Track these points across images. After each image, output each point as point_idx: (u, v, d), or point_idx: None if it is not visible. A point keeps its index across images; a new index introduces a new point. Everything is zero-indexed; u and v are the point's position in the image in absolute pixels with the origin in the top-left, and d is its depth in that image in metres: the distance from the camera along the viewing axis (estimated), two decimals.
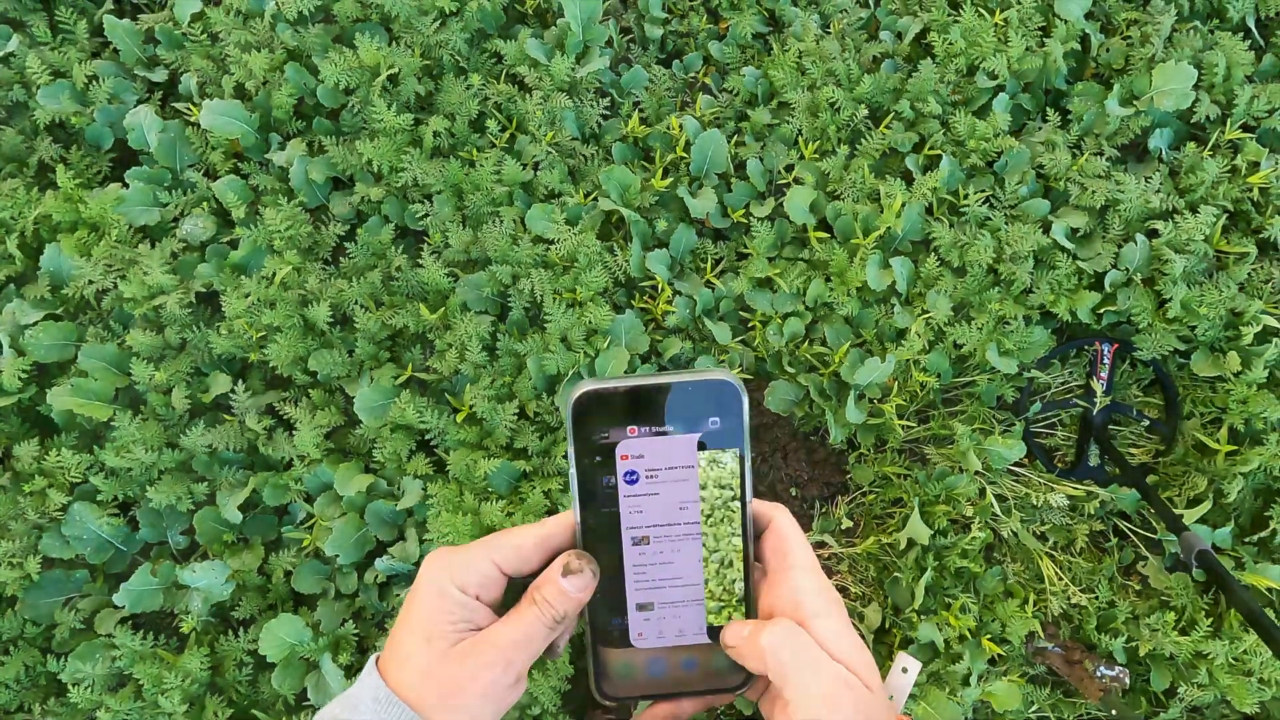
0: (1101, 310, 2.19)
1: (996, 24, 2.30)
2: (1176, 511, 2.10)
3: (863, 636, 1.97)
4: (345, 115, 2.22)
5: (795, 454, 2.27)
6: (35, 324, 1.95)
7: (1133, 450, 2.27)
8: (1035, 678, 2.14)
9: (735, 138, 2.35)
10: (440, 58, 2.24)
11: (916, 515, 2.05)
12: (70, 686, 1.79)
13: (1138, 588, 2.15)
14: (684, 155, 2.27)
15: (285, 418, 1.99)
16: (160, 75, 2.25)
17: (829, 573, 2.22)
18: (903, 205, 2.14)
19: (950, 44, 2.28)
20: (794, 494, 2.26)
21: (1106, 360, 2.24)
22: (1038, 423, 2.30)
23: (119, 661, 1.82)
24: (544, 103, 2.21)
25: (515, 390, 2.05)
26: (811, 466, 2.27)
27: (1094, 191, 2.16)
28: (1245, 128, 2.30)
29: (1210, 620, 2.03)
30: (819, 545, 2.23)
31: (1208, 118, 2.26)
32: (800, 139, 2.29)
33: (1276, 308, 2.15)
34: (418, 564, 1.94)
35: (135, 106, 2.16)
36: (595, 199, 2.20)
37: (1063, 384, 2.30)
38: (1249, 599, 1.46)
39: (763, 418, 2.28)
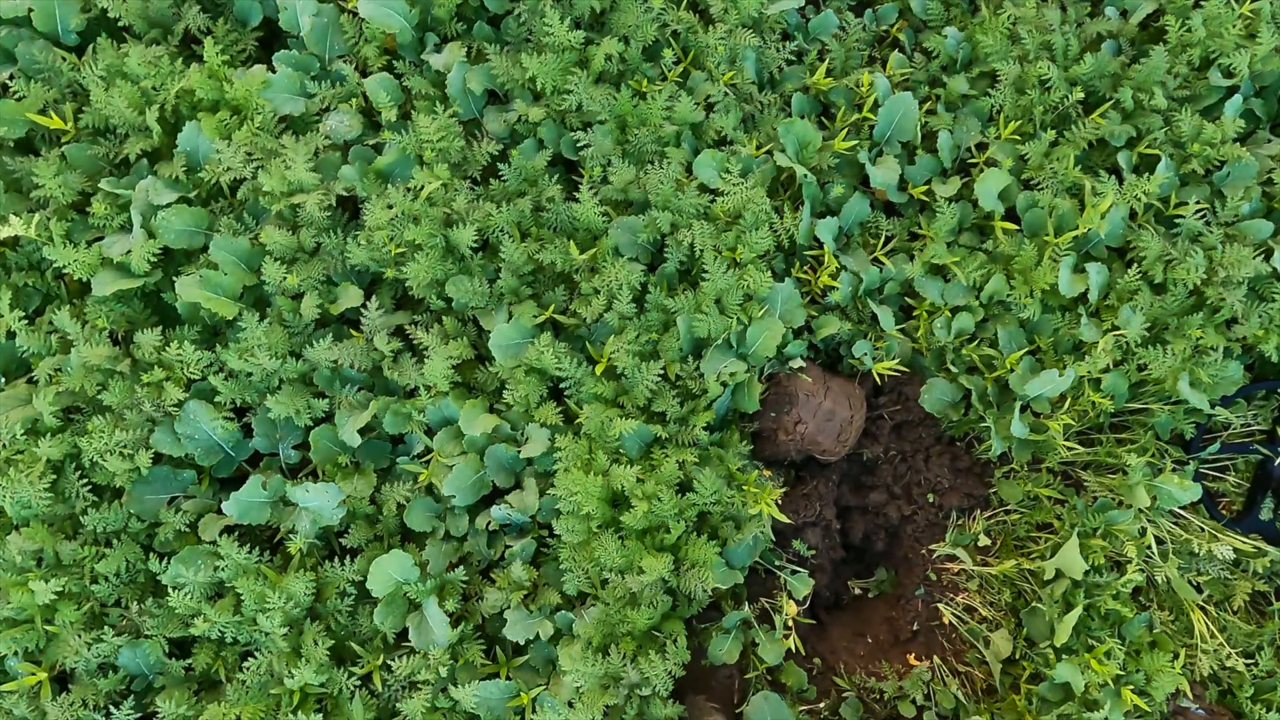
0: None
1: (1244, 15, 2.07)
2: None
3: (981, 661, 1.86)
4: (509, 23, 2.08)
5: (939, 458, 2.13)
6: (168, 205, 1.86)
7: None
8: None
9: (925, 105, 2.15)
10: None
11: (1075, 546, 1.91)
12: (170, 590, 1.74)
13: None
14: (869, 117, 2.09)
15: (415, 342, 1.90)
16: None
17: (955, 589, 2.10)
18: (1110, 206, 1.95)
19: (1188, 31, 2.06)
20: (931, 500, 2.13)
21: None
22: (1208, 464, 2.13)
23: (222, 572, 1.76)
24: (727, 38, 2.04)
25: (660, 349, 1.93)
26: (954, 474, 2.13)
27: None
28: None
29: None
30: (950, 559, 2.10)
31: None
32: (1000, 116, 2.09)
33: None
34: (534, 516, 1.86)
35: None
36: (769, 152, 2.03)
37: (1245, 426, 2.12)
38: None
39: (909, 414, 2.13)
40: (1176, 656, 1.94)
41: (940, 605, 2.09)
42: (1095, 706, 1.85)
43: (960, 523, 2.13)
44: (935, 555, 2.11)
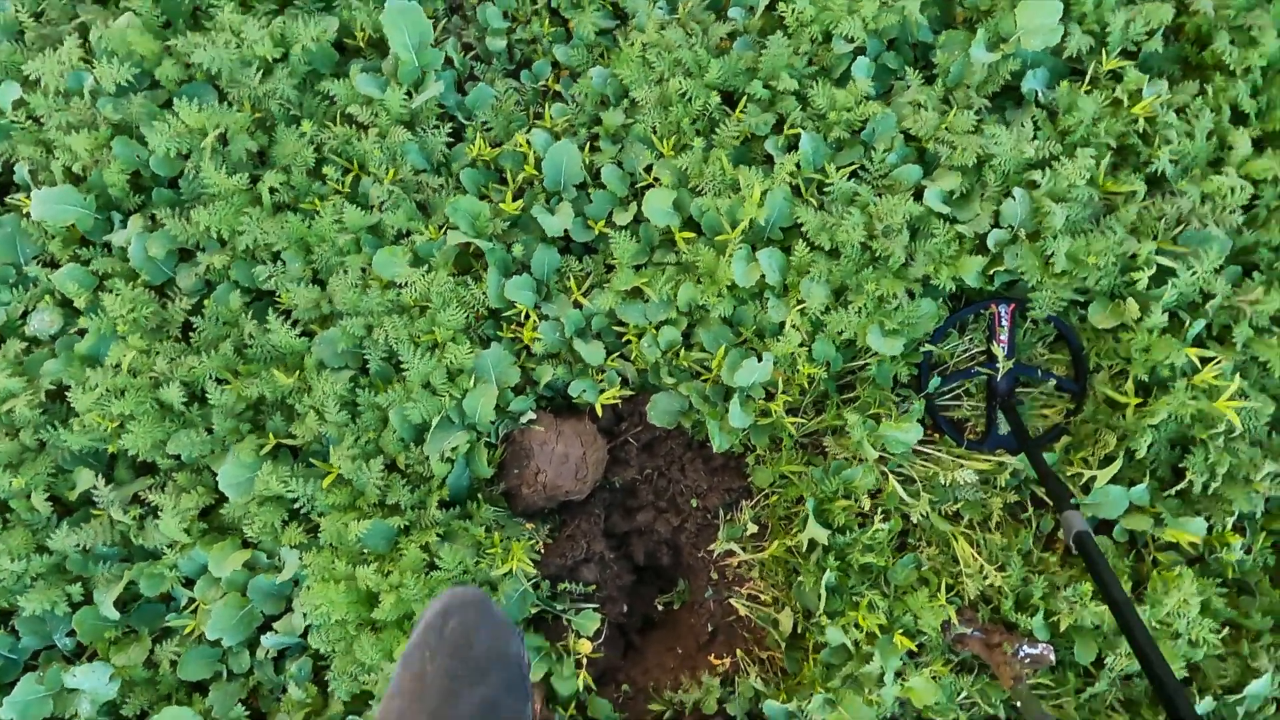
0: (992, 272, 2.13)
1: None
2: (1090, 472, 2.06)
3: (779, 644, 1.96)
4: (184, 183, 2.21)
5: (692, 464, 2.24)
6: None
7: (1045, 412, 2.22)
8: (963, 665, 2.12)
9: (591, 144, 2.30)
10: (270, 109, 2.21)
11: (812, 515, 2.02)
12: None
13: (1058, 560, 2.11)
14: (537, 172, 2.23)
15: (154, 504, 2.00)
16: None
17: (740, 582, 2.20)
18: (764, 192, 2.09)
19: (799, 12, 2.21)
20: (695, 505, 2.24)
21: (1005, 323, 2.18)
22: (944, 397, 2.25)
23: None
24: (381, 139, 2.18)
25: (382, 444, 2.04)
26: (710, 475, 2.24)
27: (964, 149, 2.09)
28: (1126, 54, 2.21)
29: (1133, 585, 1.99)
30: (727, 554, 2.21)
31: (1081, 51, 2.17)
32: (655, 136, 2.23)
33: (1174, 244, 2.08)
34: (304, 635, 1.96)
35: None
36: (446, 232, 2.17)
37: (965, 353, 2.24)
38: (1116, 589, 1.42)
39: (654, 432, 2.25)
40: (940, 589, 2.05)
41: (731, 601, 2.20)
42: (870, 659, 1.95)
43: (729, 518, 2.24)
44: (714, 555, 2.22)
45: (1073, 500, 1.91)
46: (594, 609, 2.13)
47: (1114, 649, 1.98)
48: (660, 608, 2.32)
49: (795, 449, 2.21)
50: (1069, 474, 2.11)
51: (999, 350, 2.18)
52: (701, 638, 2.22)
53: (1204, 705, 1.93)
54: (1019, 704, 1.86)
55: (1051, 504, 1.91)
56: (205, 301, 2.13)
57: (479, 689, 1.30)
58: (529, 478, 2.09)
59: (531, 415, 2.12)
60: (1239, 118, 2.17)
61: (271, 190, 2.14)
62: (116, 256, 2.17)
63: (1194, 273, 2.02)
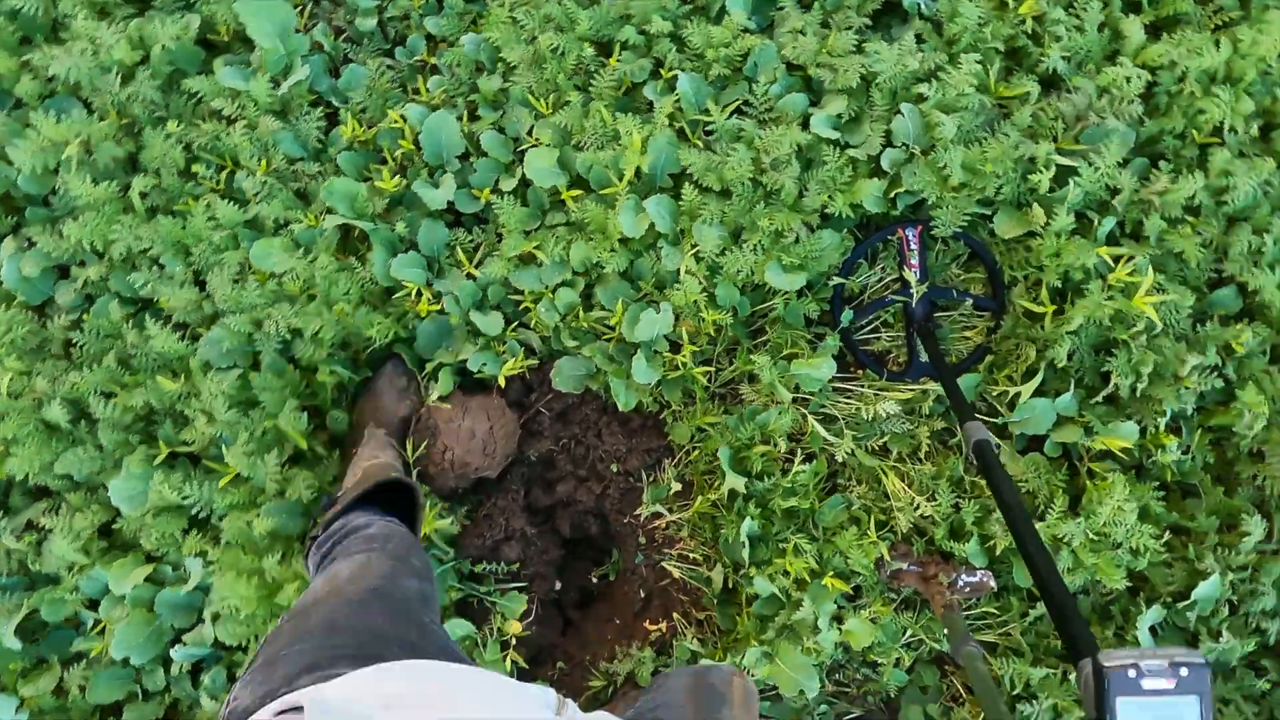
0: (893, 195, 2.06)
1: None
2: (1015, 389, 1.98)
3: (713, 601, 1.89)
4: (55, 199, 2.16)
5: (609, 428, 2.17)
6: None
7: (967, 334, 2.15)
8: (906, 603, 2.04)
9: (471, 114, 2.24)
10: (135, 114, 2.15)
11: (726, 464, 1.95)
12: None
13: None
14: (416, 148, 2.17)
15: (49, 528, 1.95)
16: None
17: (671, 543, 2.13)
18: (645, 139, 2.02)
19: None
20: (616, 470, 2.17)
21: (914, 246, 2.11)
22: (862, 331, 2.18)
23: None
24: (251, 131, 2.12)
25: (283, 429, 1.98)
26: (629, 437, 2.17)
27: (847, 70, 2.02)
28: None
29: (1067, 499, 1.91)
30: (654, 516, 2.14)
31: None
32: (533, 97, 2.17)
33: (1074, 144, 2.00)
34: (217, 644, 1.89)
35: None
36: (325, 216, 2.11)
37: (880, 282, 2.17)
38: (1009, 494, 1.34)
39: (567, 400, 2.18)
40: (869, 527, 1.97)
41: (663, 564, 2.13)
42: (800, 606, 1.88)
43: (652, 480, 2.17)
44: (641, 519, 2.15)
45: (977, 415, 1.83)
46: (520, 588, 2.07)
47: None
48: (596, 580, 2.25)
49: (711, 401, 2.14)
50: (994, 393, 2.03)
51: (911, 275, 2.11)
52: (637, 605, 2.15)
53: (1153, 614, 1.85)
54: (946, 629, 1.78)
55: (957, 420, 1.83)
56: (85, 316, 2.07)
57: (415, 580, 1.39)
58: (436, 457, 2.03)
59: (435, 396, 2.06)
60: (1130, 5, 2.09)
61: (143, 194, 2.09)
62: None
63: (1097, 169, 1.94)
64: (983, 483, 2.00)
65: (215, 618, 1.92)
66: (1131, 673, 0.95)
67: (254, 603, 1.84)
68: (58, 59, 2.11)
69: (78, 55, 2.11)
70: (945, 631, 1.71)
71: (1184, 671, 0.97)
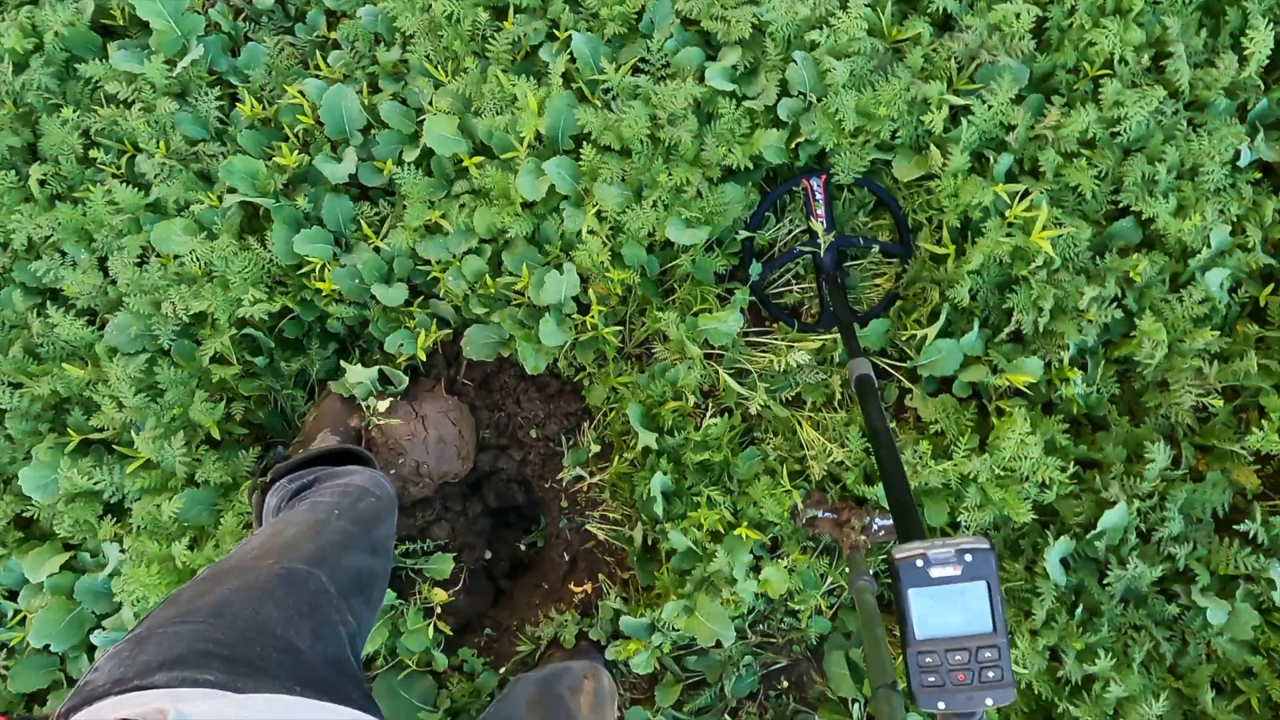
0: (795, 145, 2.06)
1: None
2: (922, 332, 1.99)
3: (636, 562, 1.90)
4: None
5: (526, 395, 2.18)
6: None
7: (877, 281, 2.16)
8: (828, 551, 2.06)
9: (373, 87, 2.23)
10: (31, 102, 2.14)
11: (636, 421, 1.96)
12: None
13: (911, 424, 2.04)
14: (318, 124, 2.16)
15: None
16: None
17: (594, 505, 2.15)
18: (541, 102, 2.02)
19: None
20: (535, 436, 2.18)
21: (819, 196, 2.11)
22: (775, 285, 2.19)
23: None
24: (148, 113, 2.11)
25: (193, 419, 1.98)
26: (546, 402, 2.18)
27: (739, 20, 2.02)
28: None
29: (977, 439, 1.92)
30: (576, 480, 2.15)
31: None
32: (432, 65, 2.16)
33: (970, 84, 2.01)
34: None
35: None
36: (225, 195, 2.10)
37: (790, 234, 2.18)
38: (877, 419, 1.36)
39: (484, 369, 2.19)
40: (800, 475, 1.98)
41: (587, 526, 2.14)
42: (715, 557, 1.89)
43: (572, 444, 2.18)
44: (564, 483, 2.16)
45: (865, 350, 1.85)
46: (452, 557, 2.08)
47: (965, 506, 1.92)
48: (524, 548, 2.27)
49: (626, 361, 2.15)
50: (904, 338, 2.05)
51: (818, 226, 2.12)
52: (563, 569, 2.17)
53: (1062, 546, 1.87)
54: (848, 568, 1.80)
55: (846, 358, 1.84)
56: None
57: (364, 557, 1.36)
58: (409, 474, 2.02)
59: (383, 406, 2.04)
60: None
61: (41, 182, 2.08)
62: None
63: (990, 107, 1.95)
64: (893, 426, 2.02)
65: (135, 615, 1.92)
66: (920, 562, 0.97)
67: (161, 590, 1.84)
68: None
69: None
70: (848, 569, 1.73)
71: (969, 558, 0.99)
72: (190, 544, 1.86)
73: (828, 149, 2.03)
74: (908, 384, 2.07)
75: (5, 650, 1.96)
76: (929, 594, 0.98)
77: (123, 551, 1.92)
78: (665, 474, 1.94)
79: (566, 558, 2.15)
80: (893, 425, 2.05)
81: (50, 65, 2.15)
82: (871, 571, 1.55)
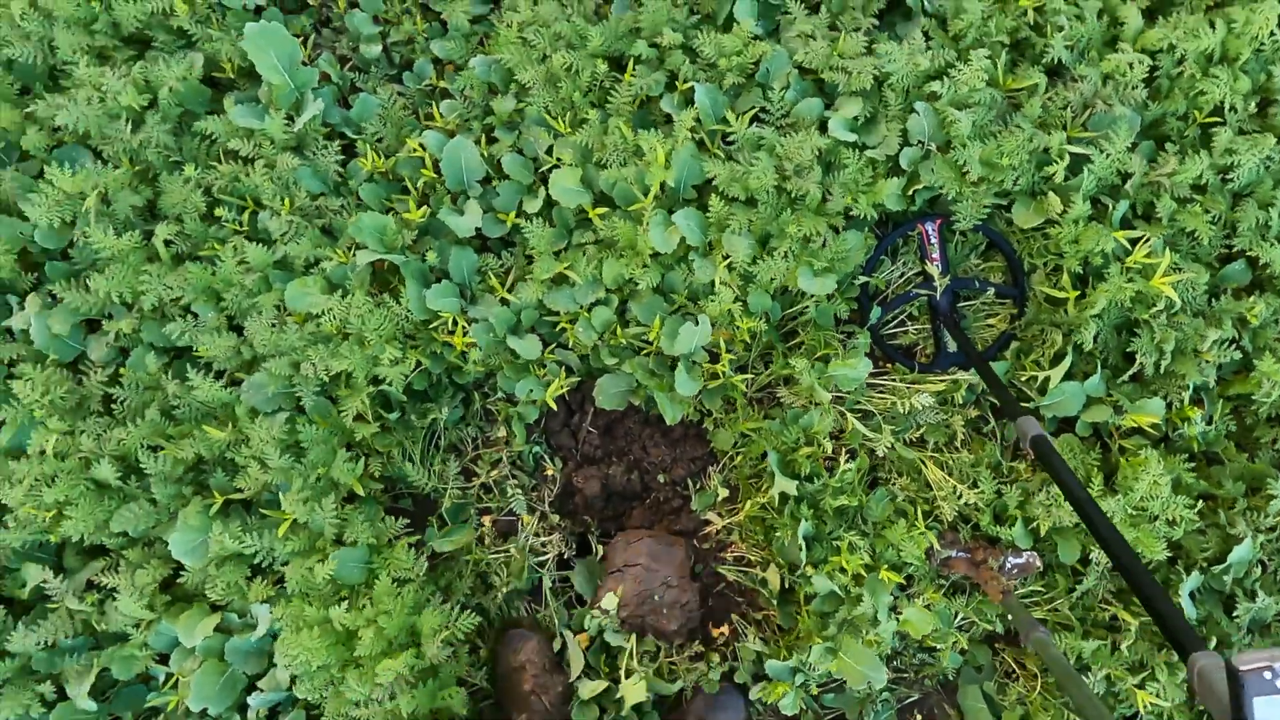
0: (912, 191, 2.14)
1: None
2: (1043, 374, 2.08)
3: (771, 602, 1.96)
4: (75, 251, 2.15)
5: (652, 440, 2.24)
6: None
7: (990, 321, 2.24)
8: (955, 587, 2.14)
9: (488, 136, 2.26)
10: (149, 159, 2.15)
11: (776, 467, 2.03)
12: None
13: (1028, 466, 2.13)
14: (437, 175, 2.19)
15: (110, 586, 1.97)
16: None
17: (723, 548, 2.21)
18: (668, 153, 2.07)
19: None
20: (663, 480, 2.24)
21: (934, 240, 2.19)
22: (888, 326, 2.26)
23: None
24: (270, 170, 2.13)
25: (336, 478, 2.02)
26: (671, 448, 2.24)
27: (860, 73, 2.08)
28: None
29: (1103, 476, 2.01)
30: (704, 523, 2.21)
31: None
32: (550, 116, 2.20)
33: (1083, 131, 2.09)
34: (291, 686, 1.94)
35: None
36: (356, 252, 2.13)
37: (901, 278, 2.25)
38: (1076, 488, 1.43)
39: (609, 416, 2.24)
40: (917, 518, 2.06)
41: (718, 569, 2.20)
42: (860, 600, 1.97)
43: (699, 487, 2.24)
44: (691, 526, 2.22)
45: (1024, 407, 1.92)
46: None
47: (1095, 545, 2.01)
48: None
49: (750, 406, 2.21)
50: (1023, 378, 2.13)
51: (934, 269, 2.19)
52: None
53: (1192, 581, 1.96)
54: (1010, 615, 1.89)
55: (1005, 414, 1.92)
56: (121, 370, 2.08)
57: None
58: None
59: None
60: None
61: (167, 242, 2.09)
62: (20, 341, 2.11)
63: (1108, 155, 2.03)
64: (1021, 467, 2.11)
65: (294, 680, 1.95)
66: (1268, 674, 1.03)
67: (324, 653, 1.88)
68: (64, 109, 2.10)
69: (84, 104, 2.11)
70: (1010, 618, 1.81)
71: None
72: (346, 604, 1.90)
73: (950, 196, 2.10)
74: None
75: (161, 716, 1.98)
76: (1276, 703, 1.03)
77: (273, 613, 1.95)
78: (808, 521, 2.01)
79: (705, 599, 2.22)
80: (1014, 464, 2.14)
81: (166, 122, 2.15)
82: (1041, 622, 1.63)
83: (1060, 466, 1.50)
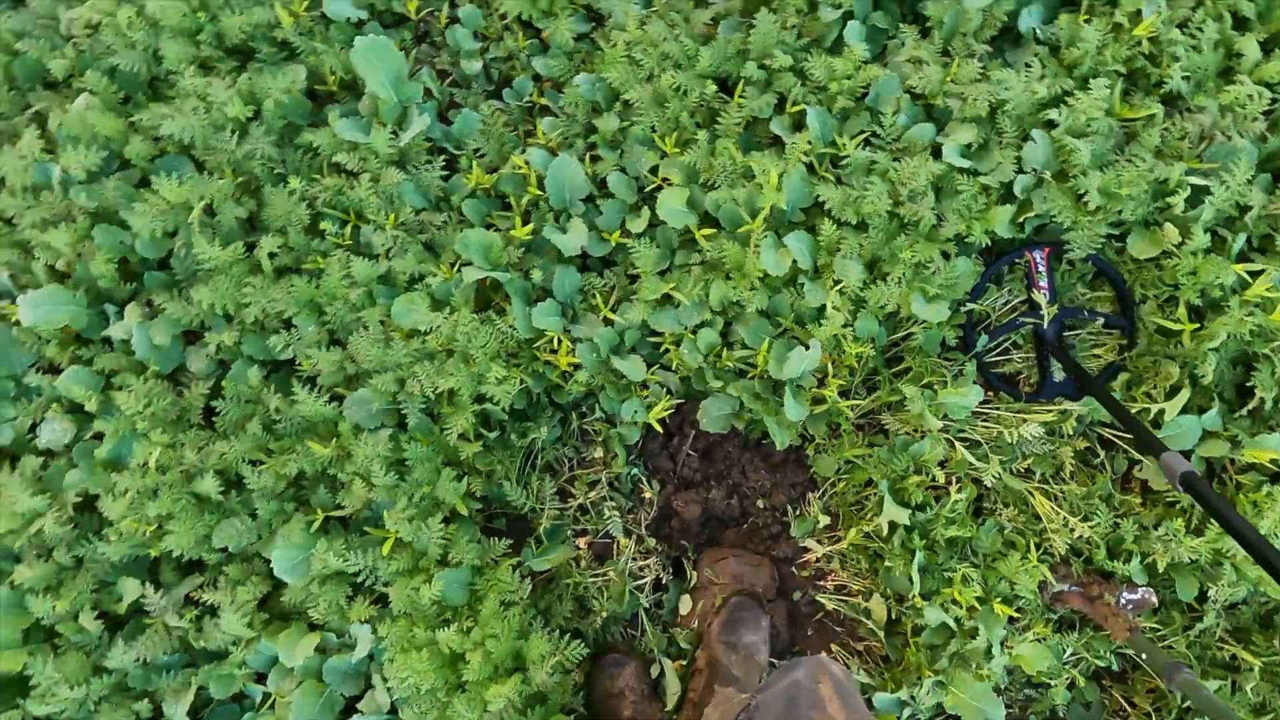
0: (1023, 219, 2.12)
1: None
2: (1157, 405, 2.05)
3: (874, 633, 1.93)
4: (175, 262, 2.14)
5: (751, 464, 2.21)
6: None
7: (1096, 352, 2.21)
8: (1063, 621, 2.11)
9: (590, 154, 2.25)
10: (253, 171, 2.14)
11: (888, 496, 2.00)
12: None
13: (1139, 498, 2.10)
14: (540, 192, 2.18)
15: (210, 602, 1.94)
16: None
17: (823, 576, 2.18)
18: (780, 176, 2.06)
19: None
20: (762, 506, 2.21)
21: (1042, 268, 2.17)
22: (992, 354, 2.24)
23: None
24: (375, 184, 2.12)
25: (439, 497, 1.99)
26: (771, 472, 2.21)
27: (975, 99, 2.07)
28: None
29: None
30: (803, 550, 2.18)
31: None
32: (656, 135, 2.19)
33: (1200, 162, 2.07)
34: (392, 710, 1.90)
35: None
36: (461, 269, 2.11)
37: (1006, 305, 2.23)
38: (1235, 519, 1.40)
39: (708, 439, 2.22)
40: (1029, 550, 2.03)
41: (817, 597, 2.17)
42: (974, 634, 1.93)
43: (798, 514, 2.21)
44: (790, 553, 2.19)
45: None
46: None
47: (1215, 581, 1.98)
48: None
49: (855, 432, 2.18)
50: (1134, 410, 2.10)
51: (1041, 297, 2.17)
52: (796, 640, 2.19)
53: None
54: (1142, 654, 1.85)
55: (1140, 450, 1.90)
56: (222, 382, 2.06)
57: None
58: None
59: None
60: (1241, 23, 2.17)
61: (271, 255, 2.08)
62: (120, 351, 2.09)
63: (1227, 187, 2.01)
64: (1135, 500, 2.08)
65: (395, 703, 1.92)
66: None
67: (431, 676, 1.85)
68: (168, 118, 2.09)
69: (189, 114, 2.10)
70: (1142, 654, 1.77)
71: None
72: (455, 630, 1.87)
73: (1064, 225, 2.08)
74: (1136, 455, 2.12)
75: None
76: None
77: (375, 633, 1.92)
78: (921, 551, 1.98)
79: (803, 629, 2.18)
80: (1128, 497, 2.11)
81: (270, 133, 2.15)
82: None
83: (1214, 499, 1.47)
